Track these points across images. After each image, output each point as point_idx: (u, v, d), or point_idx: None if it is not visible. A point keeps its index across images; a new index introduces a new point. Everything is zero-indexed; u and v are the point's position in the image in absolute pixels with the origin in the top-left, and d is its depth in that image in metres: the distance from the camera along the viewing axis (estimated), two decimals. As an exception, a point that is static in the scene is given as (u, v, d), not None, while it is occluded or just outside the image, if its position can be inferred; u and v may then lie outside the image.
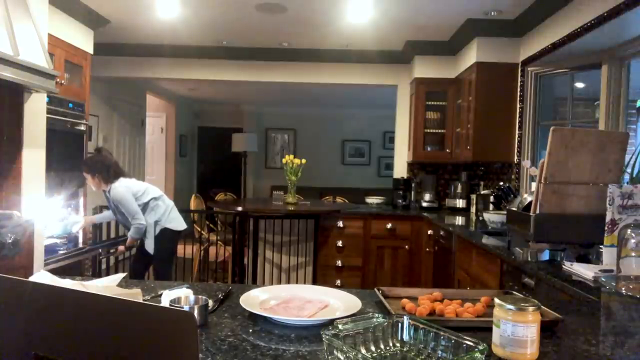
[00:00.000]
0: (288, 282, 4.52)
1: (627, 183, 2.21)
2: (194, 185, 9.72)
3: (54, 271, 3.27)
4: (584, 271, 1.90)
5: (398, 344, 1.05)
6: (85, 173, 3.68)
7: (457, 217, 4.47)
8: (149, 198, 3.68)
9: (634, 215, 1.89)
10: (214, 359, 1.02)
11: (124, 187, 3.60)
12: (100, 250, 3.95)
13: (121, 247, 3.81)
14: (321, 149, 9.48)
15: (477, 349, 0.93)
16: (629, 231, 1.68)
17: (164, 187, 8.18)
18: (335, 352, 0.94)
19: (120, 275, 1.49)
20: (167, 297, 1.28)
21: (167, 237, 3.72)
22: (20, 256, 2.96)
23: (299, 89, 7.00)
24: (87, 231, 4.13)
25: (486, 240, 2.98)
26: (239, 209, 4.58)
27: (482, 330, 1.15)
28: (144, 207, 3.65)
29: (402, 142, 5.51)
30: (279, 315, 1.24)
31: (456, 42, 4.71)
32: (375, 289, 1.46)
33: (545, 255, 2.24)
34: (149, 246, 3.69)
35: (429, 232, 4.43)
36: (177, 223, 3.77)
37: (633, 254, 1.66)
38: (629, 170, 2.23)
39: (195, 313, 1.18)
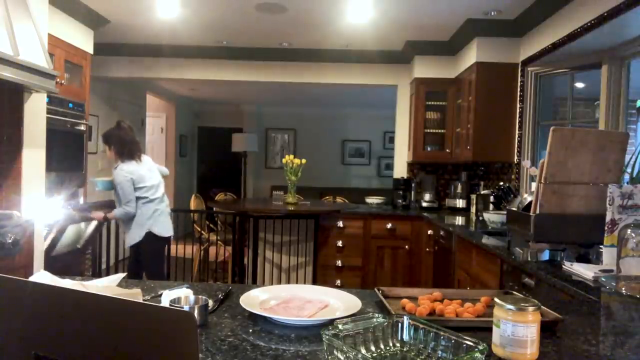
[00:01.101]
0: (288, 282, 4.52)
1: (627, 183, 2.21)
2: (194, 185, 9.72)
3: (52, 265, 3.26)
4: (584, 271, 1.90)
5: (398, 344, 1.05)
6: (103, 143, 3.74)
7: (457, 217, 4.47)
8: (144, 196, 3.63)
9: (634, 215, 1.88)
10: (214, 359, 1.02)
11: (126, 172, 3.57)
12: (71, 207, 3.81)
13: (100, 213, 3.73)
14: (321, 149, 9.48)
15: (477, 349, 0.93)
16: (629, 231, 1.69)
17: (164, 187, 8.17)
18: (335, 352, 0.94)
19: (120, 275, 1.49)
20: (167, 297, 1.28)
21: (151, 241, 3.67)
22: (20, 256, 2.96)
23: (299, 89, 7.00)
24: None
25: (486, 240, 2.98)
26: (239, 209, 4.58)
27: (482, 330, 1.15)
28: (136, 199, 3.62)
29: (402, 142, 5.51)
30: (279, 315, 1.24)
31: (456, 42, 4.71)
32: (375, 289, 1.46)
33: (545, 255, 2.23)
34: (128, 238, 3.69)
35: (429, 232, 4.43)
36: (162, 229, 3.70)
37: (633, 254, 1.66)
38: (629, 170, 2.23)
39: (195, 313, 1.18)
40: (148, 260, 3.71)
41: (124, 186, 3.56)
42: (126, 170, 3.59)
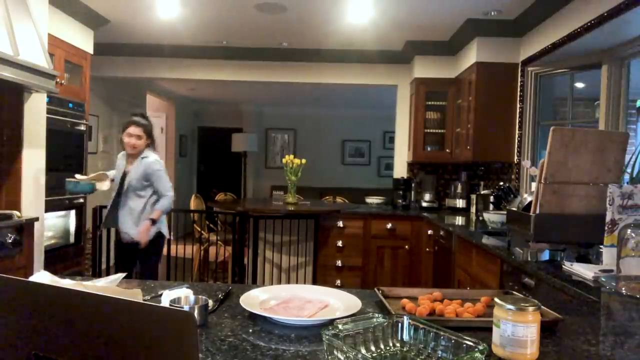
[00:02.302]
0: (288, 282, 4.52)
1: (627, 183, 2.21)
2: (194, 185, 9.72)
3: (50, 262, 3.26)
4: (584, 271, 1.89)
5: (398, 344, 1.05)
6: (141, 131, 3.40)
7: (457, 217, 4.47)
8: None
9: (634, 215, 1.88)
10: (214, 359, 1.02)
11: (160, 161, 3.48)
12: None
13: (145, 225, 3.39)
14: (321, 149, 9.48)
15: (477, 349, 0.93)
16: (629, 231, 1.68)
17: (164, 187, 8.17)
18: (335, 352, 0.94)
19: (120, 275, 1.49)
20: (167, 297, 1.28)
21: (158, 239, 3.52)
22: (20, 256, 2.96)
23: (299, 89, 7.00)
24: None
25: (486, 240, 2.98)
26: (239, 209, 4.58)
27: (482, 330, 1.15)
28: (154, 193, 3.49)
29: (402, 142, 5.51)
30: (279, 315, 1.24)
31: (456, 42, 4.71)
32: (375, 289, 1.46)
33: (545, 255, 2.23)
34: (135, 233, 3.43)
35: (429, 232, 4.43)
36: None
37: (633, 254, 1.66)
38: (629, 170, 2.23)
39: (195, 313, 1.18)
40: (149, 259, 3.53)
41: (162, 174, 3.45)
42: (158, 159, 3.49)
